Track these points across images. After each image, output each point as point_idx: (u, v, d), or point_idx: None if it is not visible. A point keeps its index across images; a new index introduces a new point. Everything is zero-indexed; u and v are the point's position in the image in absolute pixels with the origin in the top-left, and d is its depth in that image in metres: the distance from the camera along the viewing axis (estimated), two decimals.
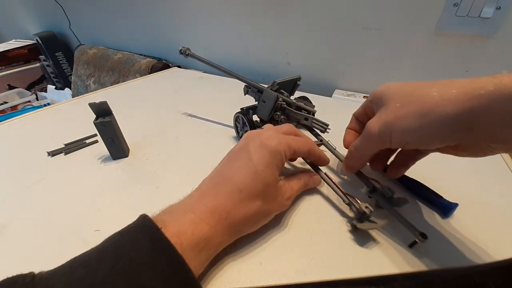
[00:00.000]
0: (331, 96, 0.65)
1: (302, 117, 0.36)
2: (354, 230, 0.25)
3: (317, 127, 0.36)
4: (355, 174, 0.30)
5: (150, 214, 0.19)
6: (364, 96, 0.64)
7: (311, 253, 0.23)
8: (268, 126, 0.28)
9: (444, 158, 0.37)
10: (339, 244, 0.24)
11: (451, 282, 0.12)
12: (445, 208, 0.27)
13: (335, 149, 0.34)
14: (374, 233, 0.25)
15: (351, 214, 0.27)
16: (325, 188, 0.31)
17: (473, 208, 0.28)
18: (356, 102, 0.62)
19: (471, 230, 0.25)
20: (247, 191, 0.22)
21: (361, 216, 0.25)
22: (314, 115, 0.36)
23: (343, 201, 0.27)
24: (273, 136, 0.25)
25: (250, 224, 0.23)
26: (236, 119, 0.41)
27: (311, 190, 0.31)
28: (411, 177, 0.31)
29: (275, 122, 0.38)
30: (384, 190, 0.26)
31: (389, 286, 0.12)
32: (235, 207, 0.21)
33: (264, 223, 0.25)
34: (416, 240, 0.23)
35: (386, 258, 0.23)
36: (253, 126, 0.38)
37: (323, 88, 0.69)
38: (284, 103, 0.37)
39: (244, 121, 0.38)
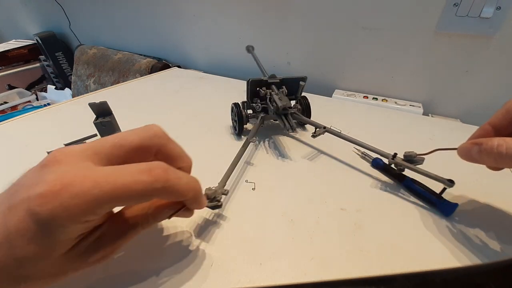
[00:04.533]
0: (331, 96, 0.65)
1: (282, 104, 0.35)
2: None
3: (290, 122, 0.35)
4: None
5: None
6: (364, 96, 0.64)
7: (311, 253, 0.23)
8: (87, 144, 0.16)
9: (443, 159, 0.37)
10: (339, 244, 0.24)
11: (451, 282, 0.12)
12: (445, 208, 0.27)
13: (340, 132, 0.34)
14: (374, 233, 0.25)
15: (351, 207, 0.27)
16: (325, 187, 0.31)
17: (473, 208, 0.28)
18: (356, 102, 0.62)
19: (471, 230, 0.25)
20: None
21: None
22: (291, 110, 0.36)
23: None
24: (48, 173, 0.14)
25: None
26: (231, 109, 0.42)
27: (310, 187, 0.31)
28: (411, 177, 0.31)
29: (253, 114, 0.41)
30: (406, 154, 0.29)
31: (389, 286, 0.12)
32: None
33: None
34: (445, 186, 0.26)
35: (386, 258, 0.23)
36: (241, 117, 0.40)
37: (323, 88, 0.69)
38: (266, 92, 0.39)
39: (235, 112, 0.40)
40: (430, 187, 0.29)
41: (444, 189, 0.27)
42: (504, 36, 0.49)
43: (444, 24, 0.52)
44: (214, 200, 0.24)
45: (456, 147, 0.25)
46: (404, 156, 0.29)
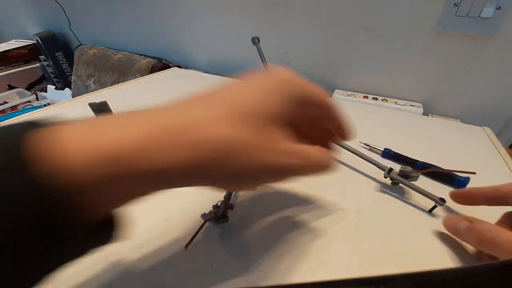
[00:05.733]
0: (331, 96, 0.65)
1: None
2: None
3: None
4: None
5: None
6: (364, 96, 0.64)
7: (311, 253, 0.23)
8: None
9: (443, 160, 0.37)
10: (339, 244, 0.24)
11: (451, 282, 0.12)
12: (460, 181, 0.30)
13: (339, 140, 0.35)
14: (373, 232, 0.25)
15: (351, 207, 0.27)
16: (324, 186, 0.31)
17: (473, 208, 0.28)
18: (356, 102, 0.62)
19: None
20: (231, 106, 0.14)
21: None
22: None
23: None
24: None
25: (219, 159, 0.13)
26: None
27: (310, 187, 0.31)
28: (422, 161, 0.33)
29: None
30: (400, 169, 0.29)
31: (389, 286, 0.12)
32: (196, 122, 0.13)
33: (239, 179, 0.15)
34: (436, 204, 0.26)
35: (386, 258, 0.23)
36: None
37: (323, 88, 0.69)
38: None
39: None
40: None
41: (435, 206, 0.27)
42: (504, 36, 0.49)
43: (444, 24, 0.52)
44: (222, 217, 0.25)
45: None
46: (400, 171, 0.29)
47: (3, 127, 0.12)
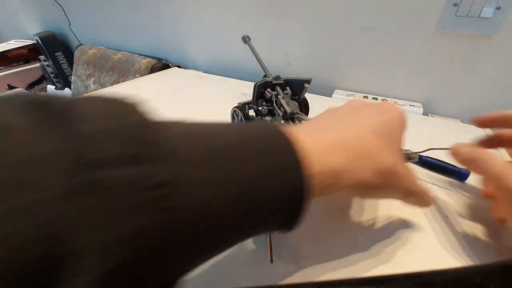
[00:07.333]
0: (331, 96, 0.65)
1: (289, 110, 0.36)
2: None
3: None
4: None
5: None
6: (364, 96, 0.64)
7: (311, 253, 0.23)
8: None
9: (443, 160, 0.37)
10: (340, 244, 0.24)
11: (451, 282, 0.12)
12: (461, 174, 0.31)
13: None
14: (373, 232, 0.25)
15: (350, 206, 0.27)
16: None
17: (473, 207, 0.28)
18: None
19: (471, 230, 0.25)
20: (377, 128, 0.19)
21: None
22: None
23: None
24: None
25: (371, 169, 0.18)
26: (233, 114, 0.42)
27: None
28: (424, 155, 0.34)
29: (260, 115, 0.41)
30: None
31: (389, 286, 0.12)
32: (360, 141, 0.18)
33: (385, 191, 0.20)
34: None
35: (386, 258, 0.23)
36: (248, 120, 0.40)
37: (323, 88, 0.69)
38: (272, 94, 0.39)
39: (240, 116, 0.40)
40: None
41: None
42: (503, 36, 0.49)
43: (444, 24, 0.52)
44: None
45: (448, 147, 0.27)
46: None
47: (255, 128, 0.17)
